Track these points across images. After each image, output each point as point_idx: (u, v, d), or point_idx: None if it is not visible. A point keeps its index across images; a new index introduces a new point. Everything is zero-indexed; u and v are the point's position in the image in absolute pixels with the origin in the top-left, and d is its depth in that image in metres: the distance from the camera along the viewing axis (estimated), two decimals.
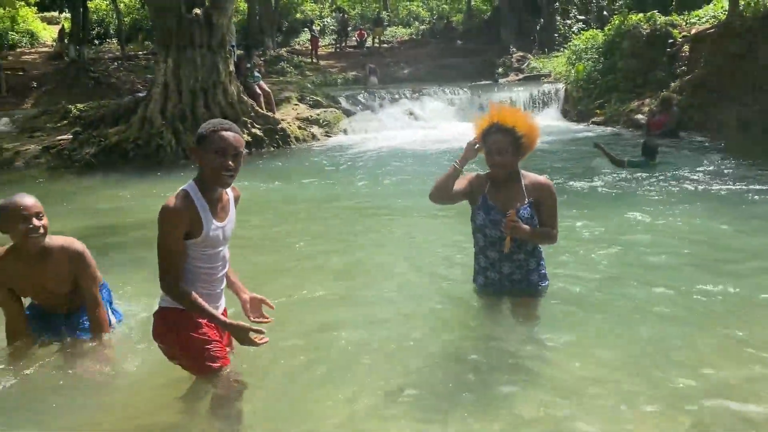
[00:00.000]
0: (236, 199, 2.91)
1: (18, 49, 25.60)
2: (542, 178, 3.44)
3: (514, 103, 14.99)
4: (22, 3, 22.23)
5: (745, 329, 3.50)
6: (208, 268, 2.76)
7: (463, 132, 12.92)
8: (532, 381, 3.03)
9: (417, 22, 31.70)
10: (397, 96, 15.84)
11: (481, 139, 3.35)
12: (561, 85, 15.97)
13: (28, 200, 3.20)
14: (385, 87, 18.22)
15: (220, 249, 2.79)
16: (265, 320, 2.98)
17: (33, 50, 25.90)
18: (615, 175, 8.09)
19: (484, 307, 3.73)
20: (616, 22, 15.31)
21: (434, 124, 14.62)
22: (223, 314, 2.87)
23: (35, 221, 3.18)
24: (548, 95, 15.80)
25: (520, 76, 20.34)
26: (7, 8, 22.51)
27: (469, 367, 3.18)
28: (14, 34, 26.73)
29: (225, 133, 2.61)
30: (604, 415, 2.72)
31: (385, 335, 3.63)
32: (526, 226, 3.27)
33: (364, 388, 3.00)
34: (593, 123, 13.89)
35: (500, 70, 22.06)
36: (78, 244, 3.42)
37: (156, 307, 2.84)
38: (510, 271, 3.47)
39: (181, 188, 2.67)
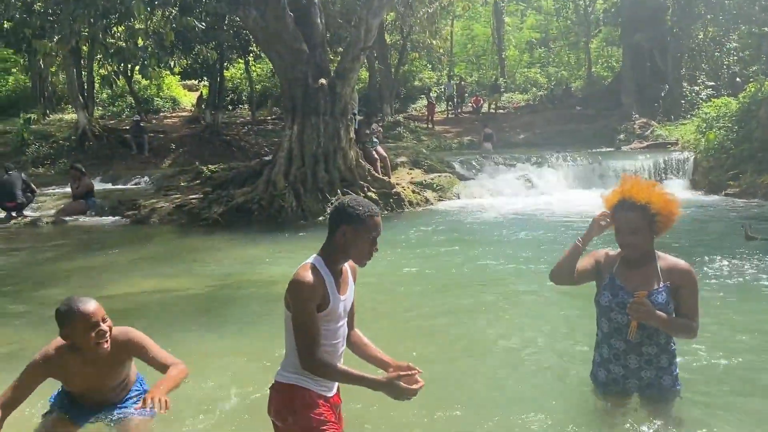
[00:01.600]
0: (353, 271, 2.91)
1: (161, 114, 28.11)
2: (681, 262, 3.09)
3: (638, 172, 14.38)
4: (168, 72, 24.51)
5: None
6: (330, 345, 2.71)
7: (582, 202, 12.69)
8: None
9: (534, 89, 31.64)
10: (512, 162, 15.69)
11: (610, 214, 3.09)
12: (690, 154, 15.15)
13: (91, 305, 3.10)
14: (500, 152, 18.14)
15: (341, 324, 2.77)
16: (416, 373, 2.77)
17: (174, 114, 28.35)
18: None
19: (601, 406, 3.31)
20: (752, 89, 14.46)
21: (551, 191, 14.28)
22: (336, 395, 2.82)
23: (102, 326, 3.10)
24: (676, 164, 15.02)
25: (645, 143, 19.57)
26: (152, 80, 24.88)
27: None
28: (159, 99, 29.44)
29: (378, 220, 2.65)
30: None
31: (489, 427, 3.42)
32: (659, 312, 2.92)
33: None
34: (726, 195, 12.99)
35: (622, 136, 21.37)
36: (134, 334, 3.31)
37: (272, 382, 2.80)
38: (637, 366, 3.08)
39: (307, 261, 2.68)
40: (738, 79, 22.83)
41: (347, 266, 2.82)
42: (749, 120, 13.84)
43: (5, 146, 19.03)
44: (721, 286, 6.21)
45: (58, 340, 3.16)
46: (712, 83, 23.58)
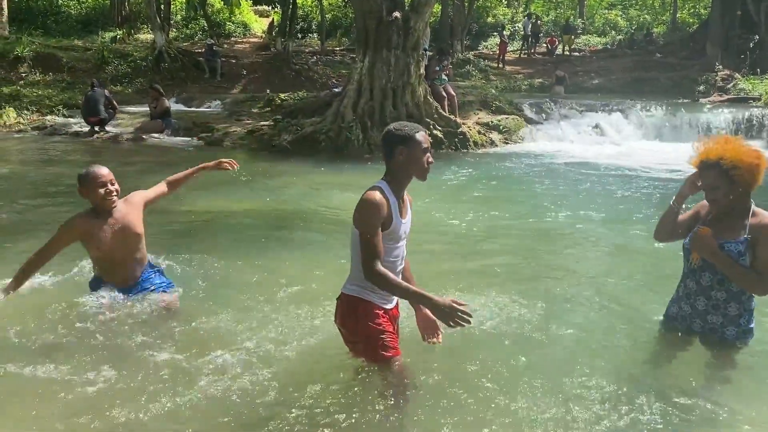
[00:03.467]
0: (410, 203, 3.17)
1: (232, 38, 28.40)
2: None
3: (710, 128, 13.85)
4: None
5: None
6: (390, 261, 2.98)
7: (654, 154, 12.35)
8: None
9: (614, 32, 30.29)
10: (584, 108, 15.30)
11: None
12: None
13: (103, 170, 3.89)
14: (571, 97, 17.68)
15: (401, 244, 3.05)
16: (434, 341, 3.20)
17: (244, 40, 28.57)
18: None
19: (663, 340, 3.55)
20: None
21: (623, 141, 13.91)
22: (395, 308, 3.13)
23: (110, 187, 3.86)
24: (756, 121, 14.33)
25: (725, 97, 18.67)
26: (233, 6, 25.13)
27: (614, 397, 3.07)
28: (230, 24, 29.67)
29: (425, 134, 2.99)
30: None
31: (556, 356, 3.62)
32: (718, 251, 3.05)
33: (524, 405, 3.03)
34: None
35: (701, 88, 20.43)
36: (137, 191, 4.19)
37: (339, 293, 3.10)
38: (704, 309, 3.23)
39: (374, 185, 2.95)
40: None
41: (407, 196, 3.10)
42: None
43: (86, 62, 19.70)
44: None
45: (81, 212, 3.94)
46: None
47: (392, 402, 3.02)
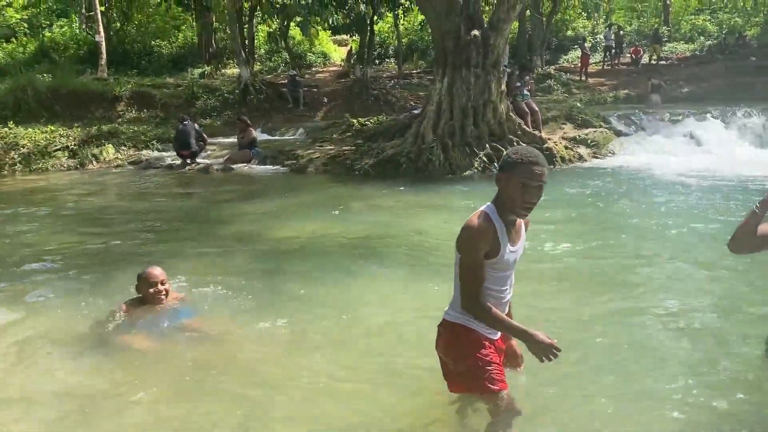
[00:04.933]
0: (526, 225, 2.93)
1: (313, 68, 29.14)
2: None
3: None
4: (321, 28, 25.28)
5: None
6: (497, 291, 2.80)
7: (755, 161, 11.55)
8: None
9: (702, 38, 28.89)
10: (676, 117, 14.57)
11: None
12: None
13: (156, 270, 4.40)
14: (664, 106, 16.89)
15: (509, 273, 2.83)
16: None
17: (325, 69, 29.25)
18: None
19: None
20: None
21: (719, 149, 13.10)
22: (500, 339, 2.94)
23: (160, 287, 4.34)
24: None
25: None
26: (311, 37, 25.93)
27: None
28: (311, 54, 30.49)
29: (538, 168, 2.61)
30: None
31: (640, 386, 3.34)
32: None
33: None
34: None
35: None
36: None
37: (441, 319, 2.93)
38: None
39: (480, 209, 2.75)
40: None
41: (521, 220, 2.85)
42: None
43: (177, 98, 20.70)
44: None
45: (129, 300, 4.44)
46: None
47: None
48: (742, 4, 30.53)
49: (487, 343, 2.84)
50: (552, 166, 12.19)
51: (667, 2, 30.90)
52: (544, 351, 2.63)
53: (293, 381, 3.55)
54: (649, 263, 5.84)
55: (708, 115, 14.40)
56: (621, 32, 28.08)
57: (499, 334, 2.92)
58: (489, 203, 2.78)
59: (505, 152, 2.79)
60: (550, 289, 5.04)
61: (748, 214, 2.96)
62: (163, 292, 4.33)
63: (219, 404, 3.34)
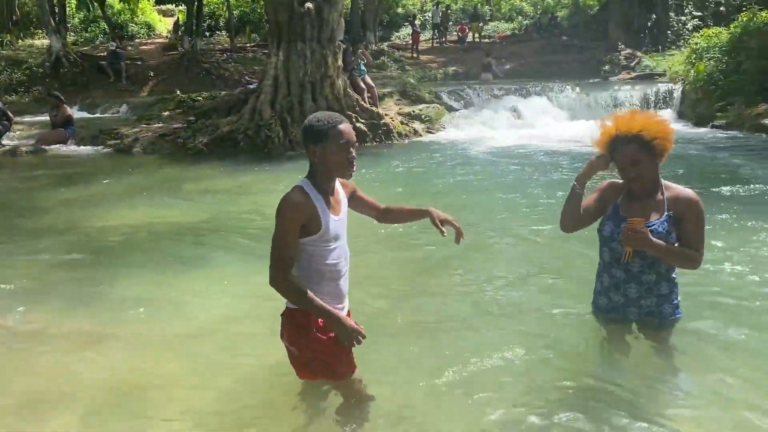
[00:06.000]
0: (352, 193, 2.90)
1: (136, 40, 27.08)
2: (687, 191, 3.02)
3: (621, 104, 14.34)
4: None
5: None
6: (333, 265, 2.70)
7: (572, 134, 12.61)
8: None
9: (520, 17, 30.97)
10: (500, 93, 15.48)
11: (606, 155, 3.03)
12: (678, 86, 15.06)
13: None
14: (494, 83, 17.89)
15: (340, 244, 2.74)
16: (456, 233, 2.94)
17: (149, 41, 27.32)
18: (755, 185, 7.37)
19: (602, 334, 3.35)
20: (744, 19, 14.26)
21: (540, 122, 14.16)
22: (347, 314, 2.83)
23: None
24: (663, 95, 14.94)
25: (632, 74, 19.42)
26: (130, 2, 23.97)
27: (575, 399, 2.94)
28: (133, 25, 28.30)
29: (344, 126, 2.63)
30: None
31: (493, 353, 3.42)
32: (655, 240, 2.86)
33: (476, 409, 2.86)
34: (714, 126, 13.02)
35: (607, 67, 21.24)
36: None
37: (283, 308, 2.78)
38: (638, 295, 3.07)
39: (295, 185, 2.66)
40: (722, 9, 22.53)
41: (339, 187, 2.80)
42: (739, 51, 13.71)
43: None
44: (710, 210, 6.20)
45: None
46: (699, 13, 23.24)
47: (356, 425, 2.78)
48: None
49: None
50: (390, 142, 12.41)
51: None
52: (348, 336, 2.61)
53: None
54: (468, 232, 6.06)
55: (528, 90, 15.45)
56: (447, 10, 29.22)
57: (346, 309, 2.83)
58: (302, 178, 2.70)
59: (305, 125, 2.66)
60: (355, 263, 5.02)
61: (569, 192, 3.11)
62: None
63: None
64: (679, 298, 3.18)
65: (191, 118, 12.63)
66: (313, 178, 2.66)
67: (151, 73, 20.72)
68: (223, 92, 15.54)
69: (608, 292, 3.18)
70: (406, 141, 12.67)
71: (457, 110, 14.71)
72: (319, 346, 2.70)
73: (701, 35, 15.43)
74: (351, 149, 2.62)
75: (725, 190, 7.30)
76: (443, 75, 22.09)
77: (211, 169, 10.11)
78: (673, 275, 3.13)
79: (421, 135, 13.12)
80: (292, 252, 2.58)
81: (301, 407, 2.90)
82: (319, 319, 2.67)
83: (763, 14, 13.98)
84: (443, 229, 2.88)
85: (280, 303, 2.72)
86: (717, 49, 14.31)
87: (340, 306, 2.75)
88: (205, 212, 7.28)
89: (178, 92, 15.87)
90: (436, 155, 11.04)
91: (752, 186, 7.48)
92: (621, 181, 3.10)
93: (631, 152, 2.92)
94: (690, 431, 2.73)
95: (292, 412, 2.89)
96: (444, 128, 13.81)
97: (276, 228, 2.58)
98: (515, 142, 12.17)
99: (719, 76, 13.73)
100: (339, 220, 2.71)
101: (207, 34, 27.89)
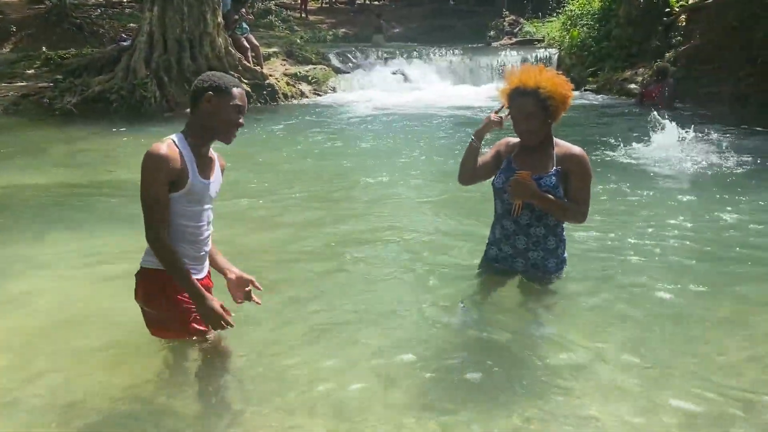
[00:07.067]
0: (222, 169, 2.81)
1: None
2: (576, 148, 3.14)
3: (503, 69, 14.78)
4: None
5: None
6: (194, 227, 2.63)
7: (455, 95, 12.92)
8: (528, 377, 2.76)
9: None
10: (388, 56, 15.54)
11: (507, 105, 3.12)
12: (555, 51, 15.74)
13: None
14: (386, 46, 17.87)
15: (206, 207, 2.68)
16: (255, 301, 2.85)
17: None
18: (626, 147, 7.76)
19: (487, 284, 3.44)
20: None
21: (425, 86, 14.37)
22: (206, 278, 2.79)
23: None
24: (542, 61, 15.54)
25: (513, 40, 20.04)
26: None
27: (459, 352, 3.00)
28: None
29: (240, 91, 2.59)
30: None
31: (373, 309, 3.44)
32: (542, 192, 2.98)
33: (348, 363, 2.87)
34: (586, 90, 13.76)
35: (492, 33, 21.74)
36: None
37: (138, 268, 2.69)
38: (525, 247, 3.21)
39: (166, 138, 2.56)
40: None
41: (216, 156, 2.75)
42: (609, 19, 14.48)
43: None
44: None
45: None
46: None
47: (215, 380, 2.76)
48: None
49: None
50: (275, 103, 12.16)
51: None
52: (212, 320, 2.56)
53: None
54: (345, 195, 6.11)
55: (414, 53, 15.61)
56: None
57: (203, 273, 2.77)
58: (178, 132, 2.60)
59: (202, 77, 2.60)
60: (246, 229, 4.96)
61: (467, 146, 3.20)
62: None
63: None
64: (566, 254, 3.33)
65: (59, 77, 11.73)
66: (190, 132, 2.58)
67: (14, 28, 18.95)
68: (95, 50, 14.51)
69: (499, 243, 3.31)
70: (293, 102, 12.46)
71: (345, 72, 14.62)
72: (174, 306, 2.64)
73: (576, 2, 16.12)
74: (240, 114, 2.57)
75: (594, 152, 7.69)
76: (333, 36, 21.80)
77: (81, 132, 9.50)
78: (561, 230, 3.26)
79: (308, 96, 12.96)
80: (162, 207, 2.48)
81: (157, 368, 2.81)
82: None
83: None
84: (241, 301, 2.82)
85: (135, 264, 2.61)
86: (590, 16, 15.04)
87: (198, 268, 2.70)
88: (77, 176, 6.86)
89: (45, 49, 14.64)
90: (322, 117, 10.95)
91: (614, 145, 7.99)
92: (517, 139, 3.21)
93: (525, 105, 3.01)
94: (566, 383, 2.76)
95: (143, 371, 2.80)
96: (332, 90, 13.70)
97: (144, 183, 2.47)
98: (400, 103, 12.30)
99: (591, 43, 14.48)
100: (208, 183, 2.63)
101: None
